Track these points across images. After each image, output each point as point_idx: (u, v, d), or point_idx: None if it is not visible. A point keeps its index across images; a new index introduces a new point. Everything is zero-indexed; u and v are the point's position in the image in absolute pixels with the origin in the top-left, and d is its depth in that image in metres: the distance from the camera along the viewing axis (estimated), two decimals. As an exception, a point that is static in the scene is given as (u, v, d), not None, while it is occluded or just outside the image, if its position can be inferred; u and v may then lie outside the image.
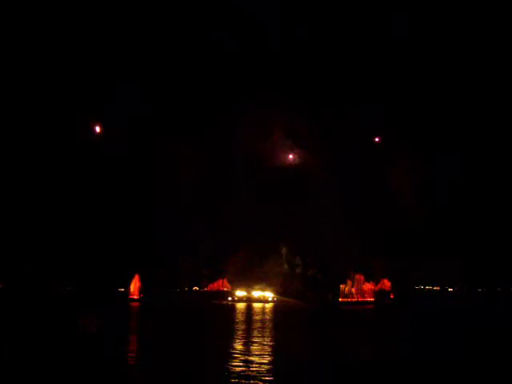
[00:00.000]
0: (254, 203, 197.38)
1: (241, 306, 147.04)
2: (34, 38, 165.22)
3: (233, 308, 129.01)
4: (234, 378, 27.65)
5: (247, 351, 39.10)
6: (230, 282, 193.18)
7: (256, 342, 44.75)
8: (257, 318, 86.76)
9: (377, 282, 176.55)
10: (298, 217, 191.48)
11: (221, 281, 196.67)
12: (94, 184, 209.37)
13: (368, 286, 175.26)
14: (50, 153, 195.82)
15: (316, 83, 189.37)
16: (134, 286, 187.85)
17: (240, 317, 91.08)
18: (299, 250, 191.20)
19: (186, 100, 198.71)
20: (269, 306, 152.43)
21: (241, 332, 56.56)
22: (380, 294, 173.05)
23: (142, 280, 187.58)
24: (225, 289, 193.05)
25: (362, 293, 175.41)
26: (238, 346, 41.44)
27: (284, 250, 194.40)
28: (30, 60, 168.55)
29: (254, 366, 31.73)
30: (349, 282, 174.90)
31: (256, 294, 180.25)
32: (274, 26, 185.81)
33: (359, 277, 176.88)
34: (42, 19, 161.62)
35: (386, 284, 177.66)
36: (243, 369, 30.91)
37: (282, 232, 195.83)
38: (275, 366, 32.50)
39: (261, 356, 35.75)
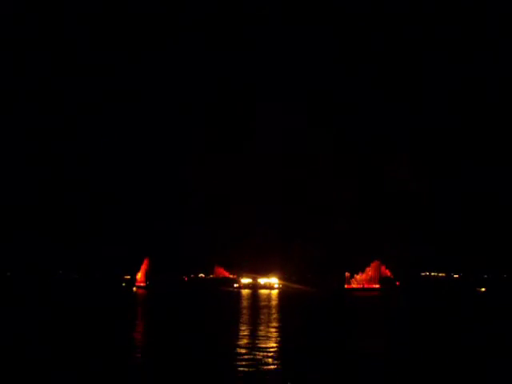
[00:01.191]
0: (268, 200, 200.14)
1: (247, 292, 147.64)
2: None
3: (238, 294, 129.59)
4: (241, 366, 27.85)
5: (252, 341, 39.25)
6: (235, 269, 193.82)
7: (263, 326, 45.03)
8: (263, 304, 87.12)
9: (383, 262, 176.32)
10: (312, 210, 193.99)
11: (226, 268, 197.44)
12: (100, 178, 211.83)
13: (373, 266, 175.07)
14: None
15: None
16: (142, 272, 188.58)
17: (246, 303, 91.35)
18: (312, 241, 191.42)
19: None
20: (275, 292, 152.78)
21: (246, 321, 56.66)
22: (385, 281, 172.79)
23: (149, 266, 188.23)
24: (231, 276, 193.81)
25: (368, 279, 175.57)
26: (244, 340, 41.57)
27: (298, 241, 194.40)
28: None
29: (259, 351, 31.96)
30: (359, 274, 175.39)
31: (262, 280, 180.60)
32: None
33: (374, 263, 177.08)
34: None
35: (388, 271, 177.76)
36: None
37: (296, 224, 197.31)
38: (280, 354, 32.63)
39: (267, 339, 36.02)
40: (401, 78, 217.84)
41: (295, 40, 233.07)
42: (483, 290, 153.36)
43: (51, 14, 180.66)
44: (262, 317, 56.85)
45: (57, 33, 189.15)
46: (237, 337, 38.39)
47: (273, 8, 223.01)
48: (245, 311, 67.71)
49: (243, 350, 31.58)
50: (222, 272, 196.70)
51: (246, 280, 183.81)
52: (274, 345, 34.49)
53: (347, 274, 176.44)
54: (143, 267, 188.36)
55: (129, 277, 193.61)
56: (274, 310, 69.76)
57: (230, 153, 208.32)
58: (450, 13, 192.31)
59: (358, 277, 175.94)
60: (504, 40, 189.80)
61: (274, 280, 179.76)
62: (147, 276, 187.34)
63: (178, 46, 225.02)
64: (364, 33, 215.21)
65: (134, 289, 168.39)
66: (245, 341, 36.20)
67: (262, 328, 44.66)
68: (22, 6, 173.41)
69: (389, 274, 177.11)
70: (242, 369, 25.95)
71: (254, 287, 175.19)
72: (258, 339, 36.70)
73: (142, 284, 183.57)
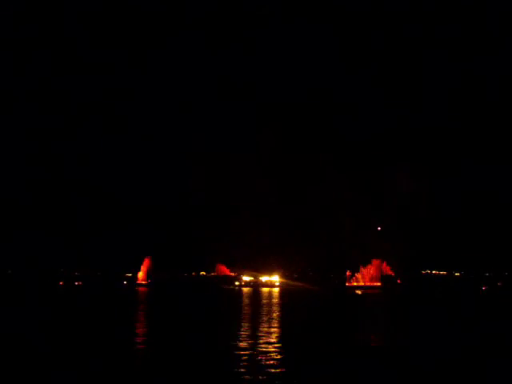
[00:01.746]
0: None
1: (248, 290, 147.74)
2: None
3: (240, 292, 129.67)
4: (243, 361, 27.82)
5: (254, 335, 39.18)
6: (237, 267, 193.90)
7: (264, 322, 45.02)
8: (263, 301, 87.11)
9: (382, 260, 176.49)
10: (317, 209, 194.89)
11: (227, 266, 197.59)
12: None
13: (375, 265, 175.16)
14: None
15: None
16: (143, 270, 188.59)
17: (247, 301, 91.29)
18: (312, 240, 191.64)
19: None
20: (276, 290, 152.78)
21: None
22: (386, 280, 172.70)
23: (151, 264, 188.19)
24: (232, 274, 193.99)
25: (369, 278, 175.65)
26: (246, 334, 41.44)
27: (299, 239, 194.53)
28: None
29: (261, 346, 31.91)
30: (361, 268, 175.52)
31: (263, 278, 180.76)
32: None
33: (375, 262, 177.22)
34: None
35: (389, 269, 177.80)
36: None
37: (297, 223, 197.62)
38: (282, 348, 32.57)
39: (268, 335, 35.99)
40: (401, 76, 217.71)
41: (295, 39, 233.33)
42: (484, 288, 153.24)
43: (51, 13, 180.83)
44: (264, 315, 56.81)
45: (57, 32, 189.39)
46: (238, 335, 38.32)
47: (273, 7, 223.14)
48: (246, 308, 67.68)
49: (244, 348, 31.52)
50: (224, 270, 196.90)
51: (247, 278, 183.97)
52: (276, 343, 34.41)
53: (348, 272, 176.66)
54: (144, 265, 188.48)
55: (130, 275, 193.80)
56: (275, 308, 69.70)
57: (230, 152, 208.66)
58: (450, 11, 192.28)
59: (358, 275, 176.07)
60: (504, 39, 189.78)
61: (275, 278, 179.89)
62: (148, 274, 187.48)
63: (179, 45, 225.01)
64: (364, 31, 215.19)
65: (136, 287, 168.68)
66: (246, 339, 36.13)
67: (263, 326, 44.60)
68: (22, 6, 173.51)
69: (390, 272, 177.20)
70: (242, 370, 25.89)
71: (256, 285, 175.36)
72: (259, 337, 36.64)
73: (143, 282, 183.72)
